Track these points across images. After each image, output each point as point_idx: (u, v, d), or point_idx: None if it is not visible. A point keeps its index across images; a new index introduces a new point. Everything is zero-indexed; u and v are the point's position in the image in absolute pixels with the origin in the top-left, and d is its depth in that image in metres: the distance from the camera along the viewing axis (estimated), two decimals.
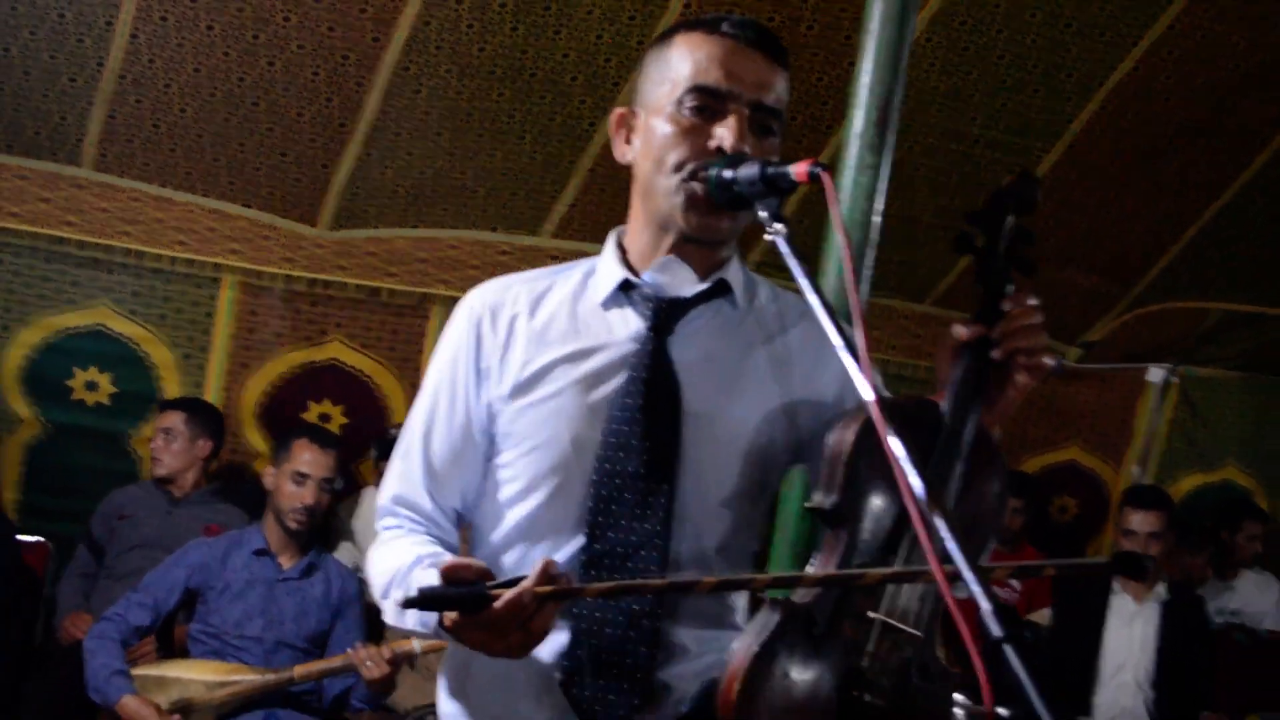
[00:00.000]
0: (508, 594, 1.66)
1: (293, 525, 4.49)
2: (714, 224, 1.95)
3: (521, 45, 4.84)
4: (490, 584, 1.70)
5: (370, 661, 4.13)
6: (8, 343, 5.36)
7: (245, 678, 4.26)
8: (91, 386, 5.49)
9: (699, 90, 1.93)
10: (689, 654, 1.97)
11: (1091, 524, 6.97)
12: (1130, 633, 5.17)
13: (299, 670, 4.29)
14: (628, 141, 2.05)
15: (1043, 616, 5.44)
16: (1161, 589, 5.20)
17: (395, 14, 4.67)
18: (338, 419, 5.77)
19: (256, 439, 5.67)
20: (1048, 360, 1.90)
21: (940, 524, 1.40)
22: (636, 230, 2.06)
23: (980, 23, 4.93)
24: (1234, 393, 7.00)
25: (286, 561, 4.53)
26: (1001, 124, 5.34)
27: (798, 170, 1.78)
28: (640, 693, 1.91)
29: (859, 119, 2.82)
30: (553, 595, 1.68)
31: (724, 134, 1.91)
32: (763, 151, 1.93)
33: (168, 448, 5.13)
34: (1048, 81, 5.17)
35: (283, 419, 5.51)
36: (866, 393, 1.53)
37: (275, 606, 4.44)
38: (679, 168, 1.93)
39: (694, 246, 2.01)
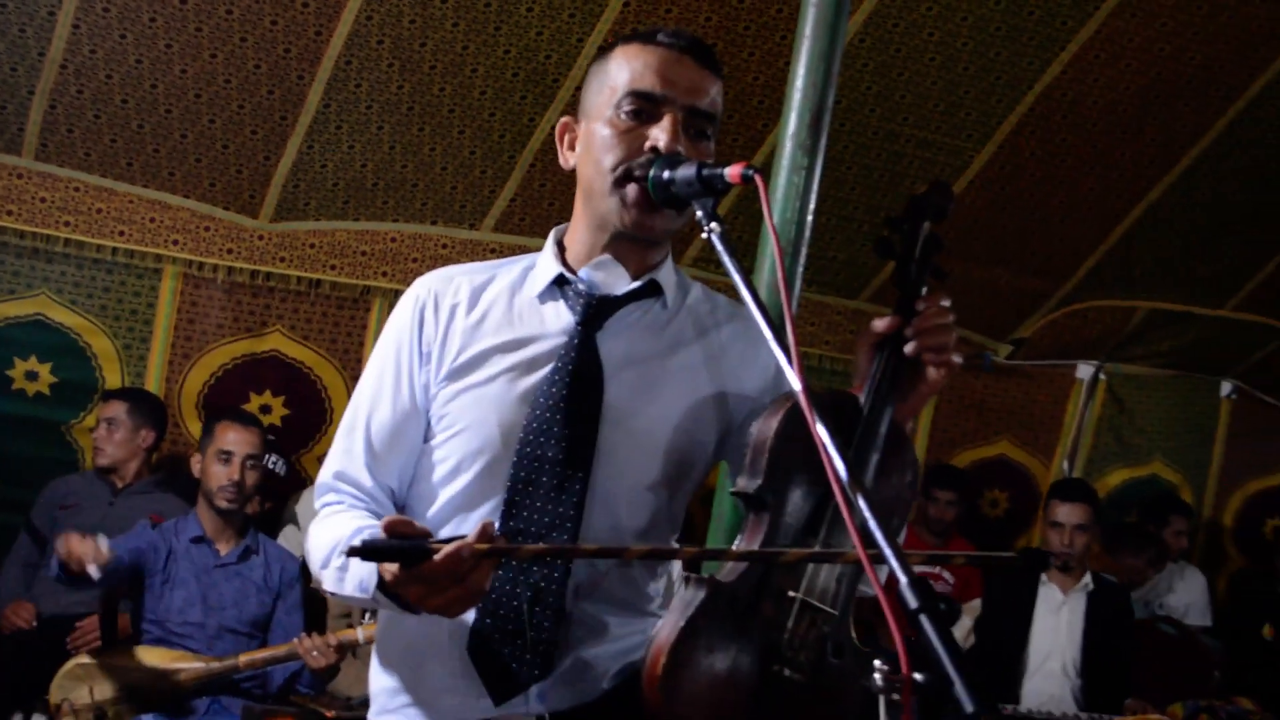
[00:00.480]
0: (447, 547, 1.73)
1: (222, 504, 4.54)
2: (650, 222, 2.04)
3: (462, 41, 4.87)
4: (430, 540, 1.77)
5: (316, 651, 4.19)
6: None
7: (190, 665, 4.30)
8: (31, 376, 5.47)
9: (635, 95, 2.03)
10: (610, 635, 2.06)
11: (1021, 517, 7.09)
12: (1057, 622, 5.31)
13: (244, 659, 4.34)
14: (571, 148, 2.15)
15: (973, 607, 5.56)
16: (1088, 580, 5.34)
17: (338, 8, 4.70)
18: (279, 410, 5.79)
19: (197, 429, 5.63)
20: (955, 358, 2.01)
21: (862, 504, 1.49)
22: (577, 230, 2.15)
23: (912, 25, 5.01)
24: (1161, 389, 7.14)
25: (223, 547, 4.58)
26: (933, 125, 5.42)
27: (731, 172, 1.86)
28: (541, 663, 1.99)
29: (793, 121, 2.89)
30: (489, 553, 1.74)
31: (659, 134, 2.00)
32: (697, 154, 2.02)
33: (110, 437, 5.16)
34: (977, 84, 5.26)
35: (224, 411, 5.52)
36: (795, 383, 1.62)
37: (215, 592, 4.49)
38: (615, 168, 2.02)
39: (630, 245, 2.10)
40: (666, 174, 1.95)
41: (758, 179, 1.81)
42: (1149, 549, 6.46)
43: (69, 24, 4.69)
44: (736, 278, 1.77)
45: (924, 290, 2.05)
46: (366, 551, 1.74)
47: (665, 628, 1.87)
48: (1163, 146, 5.67)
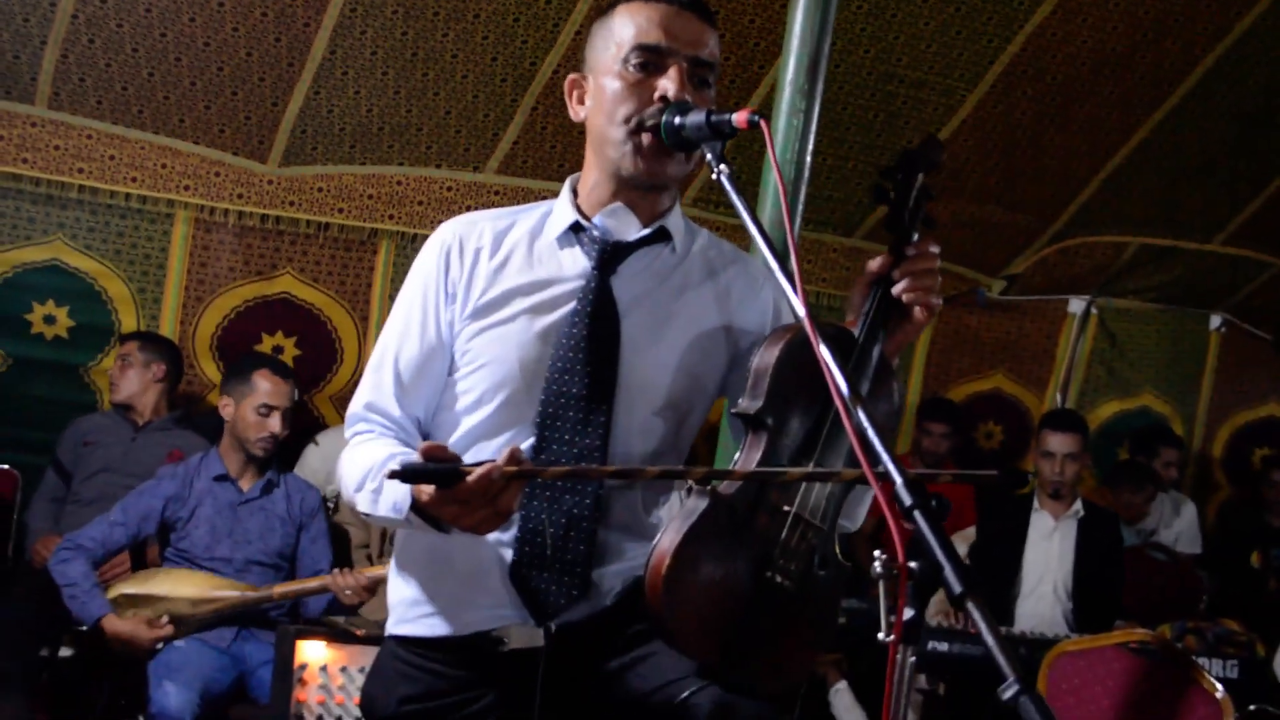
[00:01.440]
0: (479, 469, 1.88)
1: (258, 453, 4.70)
2: (662, 168, 2.19)
3: None
4: (462, 465, 1.92)
5: (349, 590, 4.36)
6: None
7: (226, 594, 4.47)
8: (49, 320, 5.61)
9: (642, 49, 2.18)
10: (621, 557, 2.21)
11: (1016, 449, 7.22)
12: (1049, 547, 5.48)
13: (278, 590, 4.51)
14: (580, 102, 2.30)
15: (968, 534, 5.72)
16: (1079, 507, 5.50)
17: None
18: (290, 350, 5.91)
19: (212, 370, 5.82)
20: (937, 300, 2.17)
21: (862, 416, 1.64)
22: (589, 178, 2.30)
23: None
24: (1151, 323, 7.26)
25: (246, 483, 4.73)
26: (925, 65, 5.51)
27: (738, 118, 2.02)
28: (578, 585, 2.16)
29: (791, 66, 3.02)
30: (518, 474, 1.90)
31: (667, 85, 2.15)
32: (701, 101, 2.17)
33: (123, 373, 5.33)
34: (969, 24, 5.34)
35: (237, 351, 5.67)
36: (800, 309, 1.78)
37: (240, 527, 4.64)
38: (628, 119, 2.17)
39: (640, 192, 2.25)
40: (678, 120, 2.10)
41: (763, 124, 1.96)
42: (1147, 485, 6.62)
43: None
44: (745, 215, 1.93)
45: (915, 236, 2.20)
46: (406, 474, 1.90)
47: (667, 534, 2.02)
48: (1151, 85, 5.74)
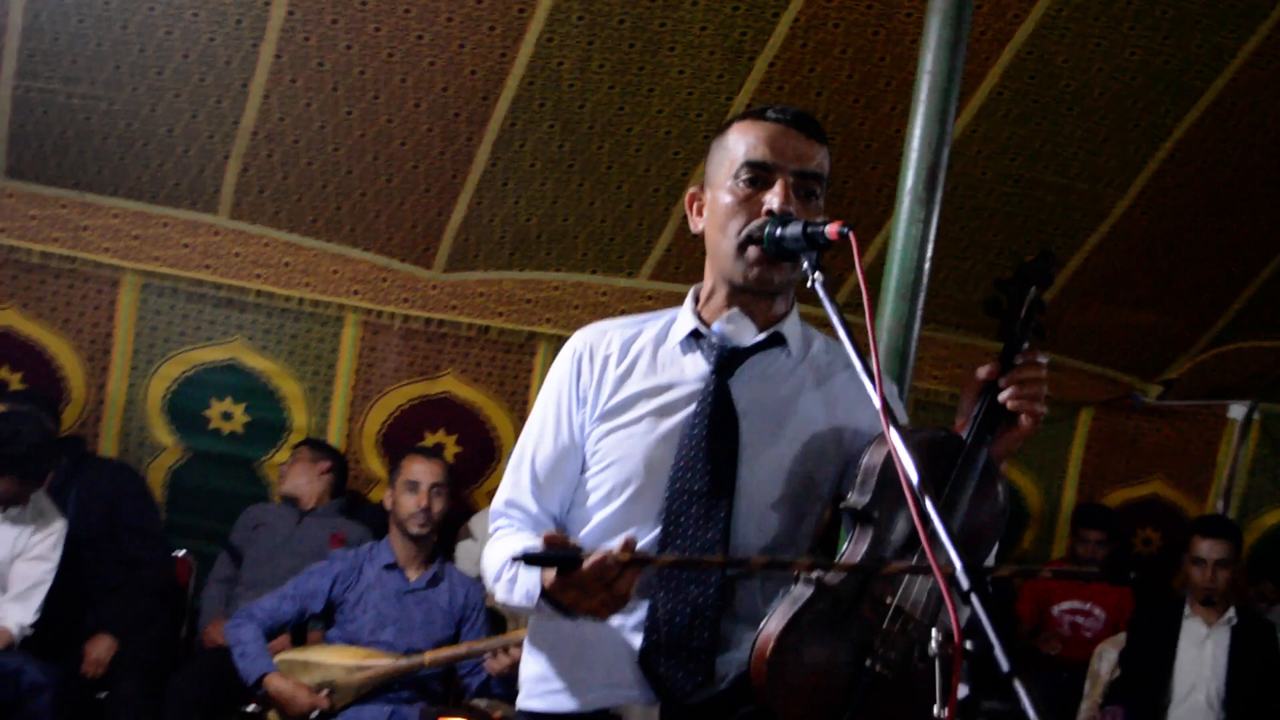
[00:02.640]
0: (595, 555, 2.03)
1: (414, 530, 4.90)
2: (770, 276, 2.33)
3: (618, 102, 5.20)
4: (581, 552, 2.07)
5: (490, 653, 4.54)
6: (152, 375, 5.81)
7: (380, 662, 4.67)
8: (226, 416, 5.93)
9: (750, 165, 2.33)
10: (741, 645, 2.31)
11: (1175, 556, 7.05)
12: (1201, 655, 5.39)
13: (429, 656, 4.71)
14: (699, 214, 2.46)
15: (1119, 640, 5.66)
16: (1232, 613, 5.41)
17: (503, 74, 5.05)
18: (451, 448, 6.14)
19: (377, 466, 6.09)
20: (1040, 408, 2.25)
21: (930, 509, 1.74)
22: (709, 287, 2.46)
23: (1050, 76, 5.18)
24: None
25: (413, 574, 4.94)
26: (1072, 172, 5.58)
27: (830, 230, 2.14)
28: (703, 671, 2.27)
29: (910, 177, 3.18)
30: (632, 561, 2.04)
31: (772, 199, 2.30)
32: (808, 213, 2.30)
33: (292, 467, 5.67)
34: (1116, 132, 5.41)
35: (401, 447, 5.88)
36: (876, 401, 1.89)
37: (405, 615, 4.85)
38: (739, 233, 2.32)
39: (754, 299, 2.39)
40: (779, 231, 2.24)
41: (851, 235, 2.08)
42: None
43: (260, 94, 5.11)
44: (835, 320, 2.05)
45: (1025, 346, 2.30)
46: (529, 558, 2.06)
47: (774, 619, 2.13)
48: None
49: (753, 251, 2.30)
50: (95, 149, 5.32)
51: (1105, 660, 5.59)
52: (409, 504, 4.92)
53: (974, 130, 5.40)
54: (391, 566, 4.94)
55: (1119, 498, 6.98)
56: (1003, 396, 2.24)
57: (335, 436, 6.00)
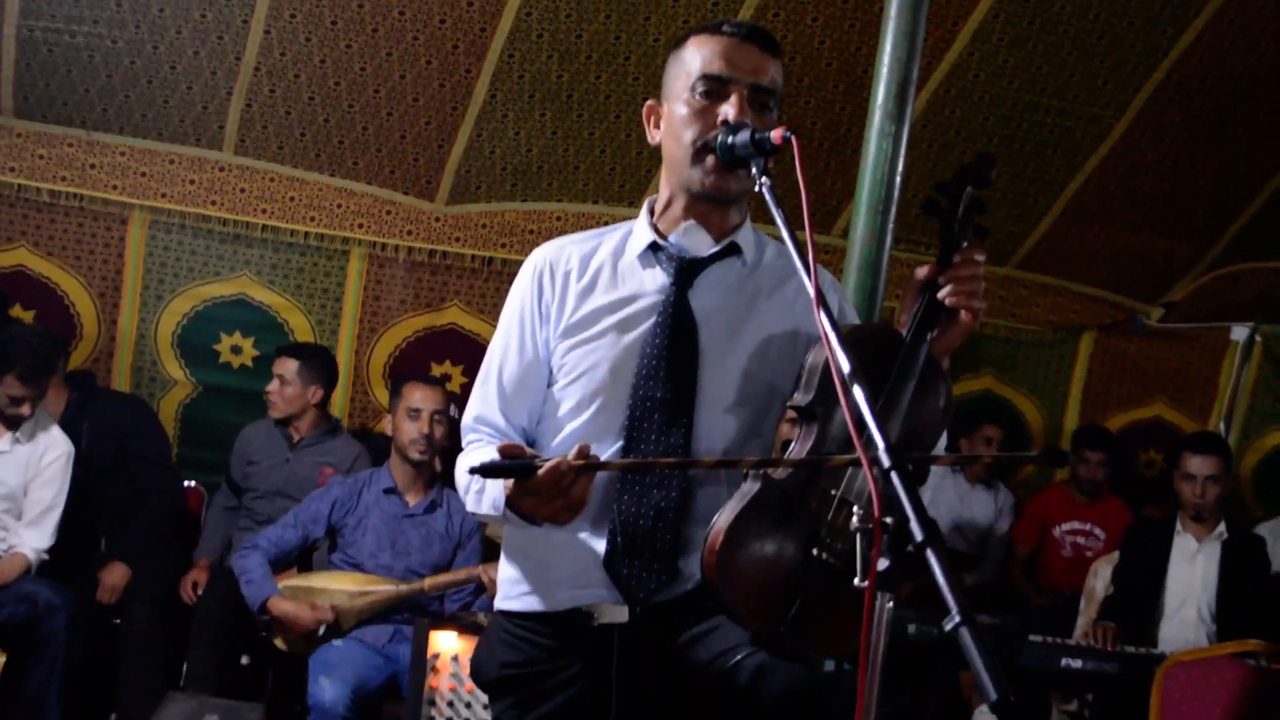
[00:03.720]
0: (548, 463, 2.11)
1: (415, 456, 4.98)
2: (725, 184, 2.39)
3: (615, 31, 5.24)
4: (536, 459, 2.15)
5: (491, 579, 4.64)
6: (162, 311, 5.93)
7: (381, 588, 4.79)
8: (236, 350, 6.05)
9: (706, 78, 2.38)
10: (699, 546, 2.41)
11: None
12: (1192, 569, 5.46)
13: (429, 582, 4.82)
14: (656, 126, 2.52)
15: (1113, 558, 5.73)
16: (1222, 528, 5.47)
17: (500, 6, 5.10)
18: (458, 378, 6.23)
19: (384, 396, 6.16)
20: (980, 304, 2.32)
21: (858, 395, 1.81)
22: (665, 198, 2.52)
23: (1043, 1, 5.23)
24: None
25: (412, 499, 5.02)
26: (1070, 94, 5.61)
27: (775, 134, 2.22)
28: (666, 572, 2.36)
29: (880, 92, 3.22)
30: (585, 467, 2.12)
31: (728, 110, 2.36)
32: (763, 124, 2.35)
33: (281, 393, 5.60)
34: (1113, 52, 5.42)
35: (410, 374, 5.99)
36: (809, 288, 1.96)
37: (403, 539, 4.95)
38: (694, 142, 2.38)
39: (710, 209, 2.46)
40: (730, 139, 2.30)
41: (793, 139, 2.15)
42: None
43: (260, 30, 5.18)
44: (781, 224, 2.11)
45: (963, 244, 2.36)
46: (485, 469, 2.13)
47: (724, 514, 2.21)
48: None
49: (710, 160, 2.36)
50: (100, 87, 5.40)
51: (1100, 577, 5.67)
52: (410, 430, 5.00)
53: (970, 55, 5.43)
54: (390, 491, 5.03)
55: (1122, 420, 7.04)
56: (941, 294, 2.30)
57: (343, 368, 6.07)
